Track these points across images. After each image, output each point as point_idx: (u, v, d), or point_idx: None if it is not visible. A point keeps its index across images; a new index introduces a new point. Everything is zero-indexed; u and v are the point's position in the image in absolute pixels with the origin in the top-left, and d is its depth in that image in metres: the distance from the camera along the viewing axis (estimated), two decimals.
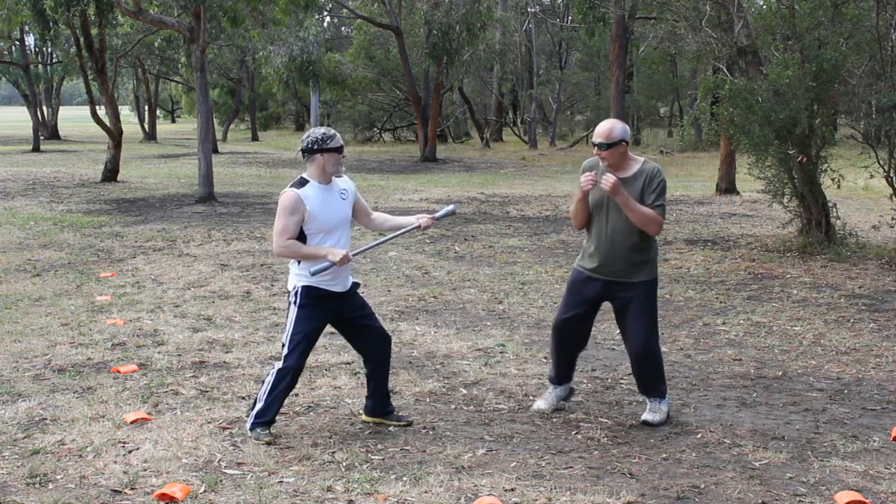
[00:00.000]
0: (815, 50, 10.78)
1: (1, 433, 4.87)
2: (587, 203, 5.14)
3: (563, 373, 5.36)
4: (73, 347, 6.65)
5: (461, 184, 21.02)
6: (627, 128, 5.05)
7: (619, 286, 5.06)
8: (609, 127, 4.96)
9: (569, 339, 5.27)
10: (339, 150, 4.77)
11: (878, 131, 11.88)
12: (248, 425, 4.86)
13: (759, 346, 6.82)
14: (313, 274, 4.70)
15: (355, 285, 5.02)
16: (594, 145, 5.00)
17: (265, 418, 4.81)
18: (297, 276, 4.83)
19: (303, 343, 4.80)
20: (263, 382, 4.87)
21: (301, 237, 4.76)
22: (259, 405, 4.83)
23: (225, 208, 15.63)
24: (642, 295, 5.05)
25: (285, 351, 4.81)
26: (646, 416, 5.13)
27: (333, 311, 4.89)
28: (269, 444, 4.71)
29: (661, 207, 4.93)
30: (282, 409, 5.27)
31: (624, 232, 4.99)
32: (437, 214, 5.13)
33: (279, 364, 4.83)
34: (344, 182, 4.94)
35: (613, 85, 16.41)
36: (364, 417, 5.13)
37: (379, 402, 5.08)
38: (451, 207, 5.27)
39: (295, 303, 4.80)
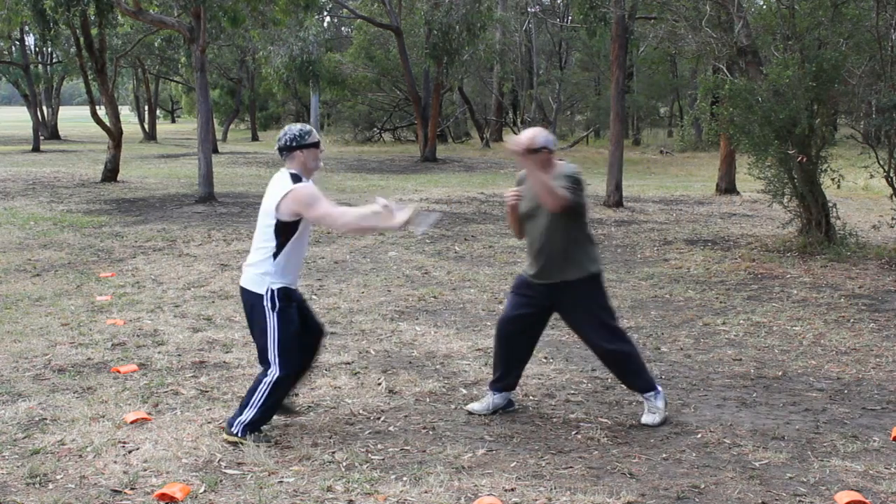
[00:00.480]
0: (815, 50, 10.78)
1: (1, 433, 4.87)
2: (517, 214, 5.18)
3: (501, 378, 5.25)
4: (73, 347, 6.65)
5: (461, 184, 21.02)
6: (551, 136, 5.07)
7: (557, 289, 5.04)
8: (532, 135, 4.98)
9: (510, 342, 5.21)
10: (317, 145, 4.75)
11: (878, 131, 11.88)
12: (235, 430, 4.67)
13: (759, 346, 6.82)
14: (428, 226, 4.66)
15: None
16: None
17: (256, 426, 4.70)
18: (269, 277, 4.64)
19: (293, 346, 4.69)
20: (256, 390, 4.67)
21: (293, 229, 4.66)
22: (251, 413, 4.66)
23: (225, 208, 15.63)
24: (583, 294, 5.03)
25: (276, 360, 4.63)
26: (644, 418, 5.12)
27: (299, 305, 4.81)
28: (269, 443, 4.67)
29: (568, 189, 4.86)
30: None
31: (553, 237, 4.98)
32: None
33: (274, 373, 4.63)
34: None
35: (613, 85, 16.39)
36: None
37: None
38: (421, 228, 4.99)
39: (273, 308, 4.63)
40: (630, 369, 5.11)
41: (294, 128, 4.74)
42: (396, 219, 4.65)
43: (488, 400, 5.30)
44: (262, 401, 4.67)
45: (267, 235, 4.69)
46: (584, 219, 5.04)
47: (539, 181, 4.82)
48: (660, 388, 5.20)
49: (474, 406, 5.31)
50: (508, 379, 5.28)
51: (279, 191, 4.66)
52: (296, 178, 4.70)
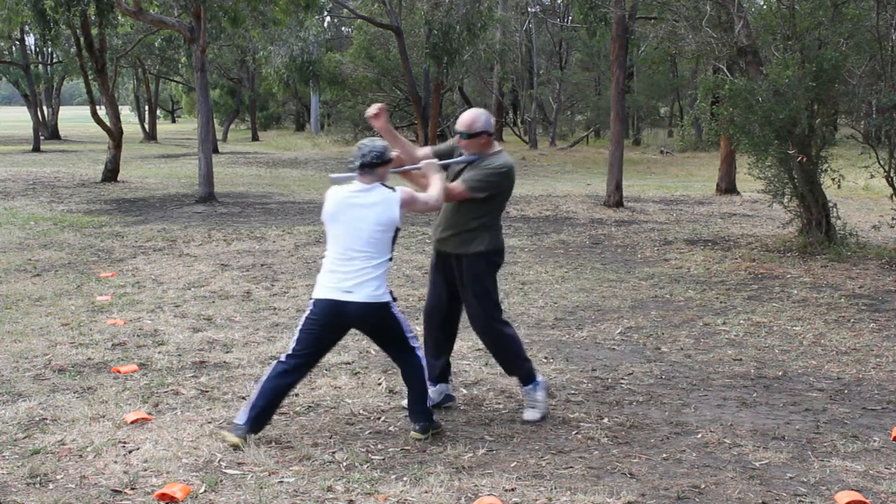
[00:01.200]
0: (815, 50, 10.78)
1: (1, 433, 4.87)
2: (393, 134, 5.21)
3: (432, 369, 5.19)
4: (73, 347, 6.65)
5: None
6: (492, 120, 5.11)
7: (455, 259, 5.13)
8: (472, 118, 5.02)
9: (433, 327, 5.34)
10: (391, 161, 4.83)
11: (879, 131, 11.88)
12: (427, 424, 4.84)
13: (760, 346, 6.82)
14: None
15: None
16: (457, 133, 5.08)
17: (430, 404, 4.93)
18: (383, 283, 4.78)
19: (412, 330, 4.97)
20: (423, 374, 4.86)
21: (395, 239, 4.85)
22: (426, 393, 4.88)
23: (225, 208, 15.63)
24: (471, 268, 5.08)
25: (411, 336, 4.90)
26: (525, 415, 5.14)
27: None
28: (438, 429, 4.87)
29: (468, 183, 4.97)
30: (281, 409, 5.28)
31: (453, 204, 5.07)
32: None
33: (417, 345, 4.91)
34: None
35: (613, 85, 16.39)
36: None
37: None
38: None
39: (393, 308, 4.87)
40: (507, 352, 5.21)
41: (377, 144, 4.77)
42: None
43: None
44: (427, 373, 4.92)
45: (382, 247, 4.78)
46: (490, 206, 5.07)
47: (427, 186, 5.04)
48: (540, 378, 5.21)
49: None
50: (441, 370, 5.36)
51: (387, 201, 4.73)
52: (388, 186, 4.81)
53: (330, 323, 4.77)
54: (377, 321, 4.83)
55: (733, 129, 11.49)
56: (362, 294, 4.71)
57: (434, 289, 5.36)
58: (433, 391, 5.22)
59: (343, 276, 4.72)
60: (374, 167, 4.72)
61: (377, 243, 4.74)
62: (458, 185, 4.99)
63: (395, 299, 4.92)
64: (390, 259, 4.87)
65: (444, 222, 5.15)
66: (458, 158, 5.14)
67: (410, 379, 4.89)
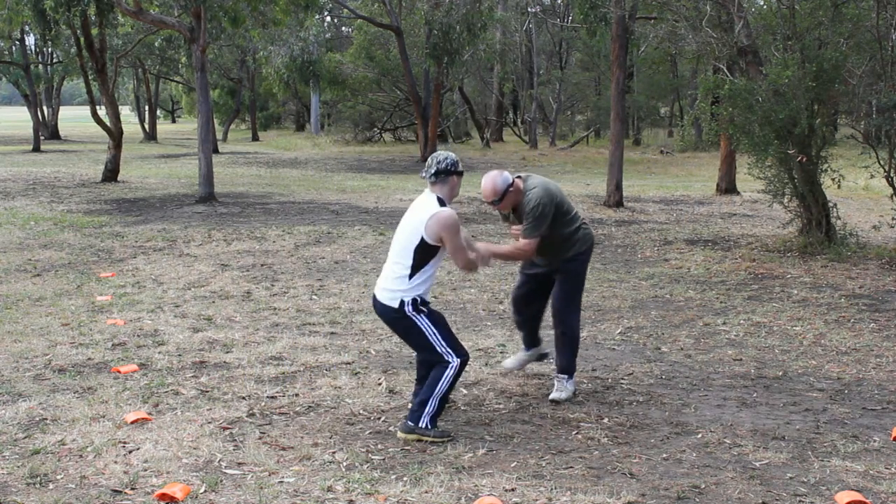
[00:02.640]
0: (815, 50, 10.78)
1: (1, 433, 4.87)
2: None
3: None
4: (73, 347, 6.65)
5: (461, 184, 20.98)
6: (506, 174, 5.43)
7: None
8: (491, 186, 5.38)
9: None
10: (462, 173, 5.06)
11: (879, 131, 11.87)
12: (423, 423, 4.83)
13: (760, 346, 6.82)
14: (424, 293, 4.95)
15: None
16: (490, 204, 5.49)
17: (437, 417, 4.91)
18: (401, 292, 4.86)
19: (451, 336, 4.95)
20: (438, 382, 4.86)
21: (433, 253, 4.88)
22: (434, 405, 4.86)
23: (225, 208, 15.63)
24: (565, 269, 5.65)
25: (448, 352, 4.87)
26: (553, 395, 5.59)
27: None
28: (452, 438, 4.82)
29: (524, 232, 5.41)
30: (282, 409, 5.28)
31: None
32: None
33: (454, 364, 4.87)
34: None
35: (614, 85, 16.39)
36: None
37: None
38: None
39: (420, 312, 4.88)
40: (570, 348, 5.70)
41: (451, 155, 5.03)
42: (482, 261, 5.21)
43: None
44: (444, 391, 4.89)
45: (406, 253, 4.88)
46: (559, 224, 5.49)
47: (504, 257, 5.67)
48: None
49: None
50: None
51: (426, 212, 4.88)
52: (441, 203, 4.93)
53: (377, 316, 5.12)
54: (391, 321, 5.00)
55: (733, 129, 11.49)
56: (380, 293, 4.99)
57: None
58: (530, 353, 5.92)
59: (381, 274, 5.06)
60: (448, 174, 4.95)
61: (403, 251, 4.89)
62: (522, 241, 5.42)
63: (422, 307, 4.90)
64: (411, 274, 4.86)
65: (543, 258, 5.65)
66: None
67: (428, 382, 4.95)
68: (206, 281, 9.24)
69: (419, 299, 4.89)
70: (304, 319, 7.61)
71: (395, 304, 4.87)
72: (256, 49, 31.76)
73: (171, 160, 28.81)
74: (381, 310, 4.97)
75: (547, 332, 6.00)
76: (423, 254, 4.86)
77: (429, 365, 4.98)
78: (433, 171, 4.94)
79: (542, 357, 6.09)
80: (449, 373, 4.89)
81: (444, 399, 4.93)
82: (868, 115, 12.48)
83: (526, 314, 5.87)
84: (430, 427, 4.84)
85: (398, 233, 4.97)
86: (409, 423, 4.88)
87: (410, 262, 4.86)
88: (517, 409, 5.37)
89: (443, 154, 5.02)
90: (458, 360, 4.89)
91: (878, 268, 9.92)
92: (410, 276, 4.86)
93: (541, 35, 39.34)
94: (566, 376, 5.59)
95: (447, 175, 4.95)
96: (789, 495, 4.15)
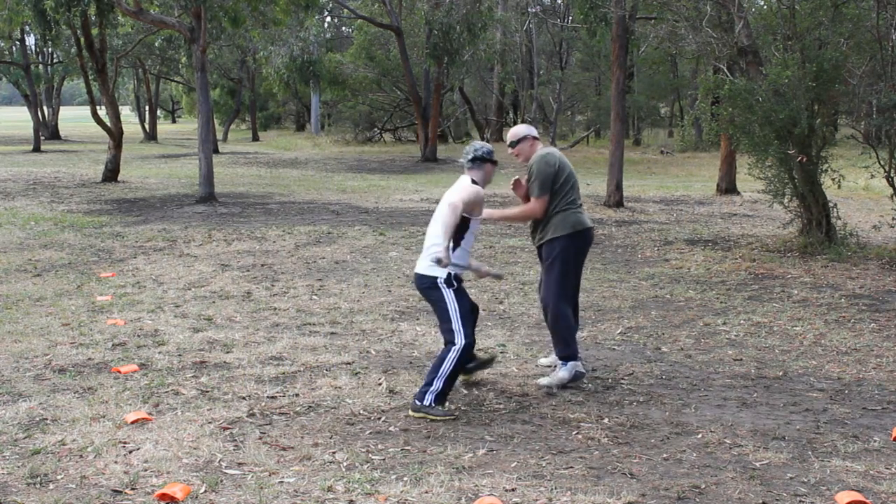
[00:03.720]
0: (815, 50, 10.78)
1: (1, 433, 4.87)
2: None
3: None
4: (73, 347, 6.65)
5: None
6: (532, 128, 6.04)
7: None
8: (514, 130, 6.03)
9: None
10: (496, 162, 5.59)
11: (879, 131, 11.88)
12: (427, 401, 5.17)
13: (760, 347, 6.82)
14: (455, 266, 5.33)
15: None
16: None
17: (444, 398, 5.24)
18: (440, 268, 5.23)
19: (468, 318, 5.31)
20: (443, 362, 5.21)
21: (465, 226, 5.38)
22: (440, 383, 5.20)
23: (225, 208, 15.63)
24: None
25: (459, 330, 5.24)
26: (540, 380, 5.83)
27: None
28: (455, 418, 5.13)
29: (531, 191, 5.82)
30: (282, 409, 5.29)
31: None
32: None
33: (459, 344, 5.23)
34: None
35: (614, 85, 16.39)
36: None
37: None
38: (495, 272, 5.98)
39: (451, 287, 5.29)
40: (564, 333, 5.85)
41: (487, 145, 5.57)
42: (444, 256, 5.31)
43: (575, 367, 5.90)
44: (448, 371, 5.22)
45: (444, 229, 5.25)
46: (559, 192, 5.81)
47: (511, 219, 6.22)
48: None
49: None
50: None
51: (459, 185, 5.41)
52: (475, 184, 5.46)
53: None
54: (423, 290, 5.41)
55: (733, 130, 11.49)
56: (418, 264, 5.42)
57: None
58: (577, 364, 5.85)
59: (422, 255, 5.47)
60: (483, 161, 5.51)
61: (441, 224, 5.28)
62: (531, 201, 5.80)
63: (454, 284, 5.30)
64: (456, 249, 5.34)
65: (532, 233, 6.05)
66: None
67: (434, 363, 5.31)
68: (207, 281, 9.24)
69: (452, 275, 5.30)
70: (304, 319, 7.61)
71: (435, 274, 5.28)
72: (256, 49, 31.73)
73: (171, 160, 28.80)
74: (419, 280, 5.38)
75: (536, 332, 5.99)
76: (460, 228, 5.32)
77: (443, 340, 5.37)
78: (470, 157, 5.51)
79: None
80: (452, 355, 5.23)
81: (450, 380, 5.24)
82: (868, 115, 12.48)
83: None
84: (433, 405, 5.17)
85: (436, 213, 5.42)
86: (416, 401, 5.23)
87: (447, 236, 5.23)
88: (517, 409, 5.38)
89: (479, 143, 5.57)
90: (464, 342, 5.22)
91: (878, 268, 9.91)
92: (451, 250, 5.26)
93: (541, 35, 39.31)
94: (561, 363, 5.78)
95: (482, 161, 5.51)
96: (789, 495, 4.15)
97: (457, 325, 5.25)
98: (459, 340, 5.24)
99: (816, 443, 4.81)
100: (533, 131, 5.96)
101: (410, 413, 5.21)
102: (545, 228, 5.81)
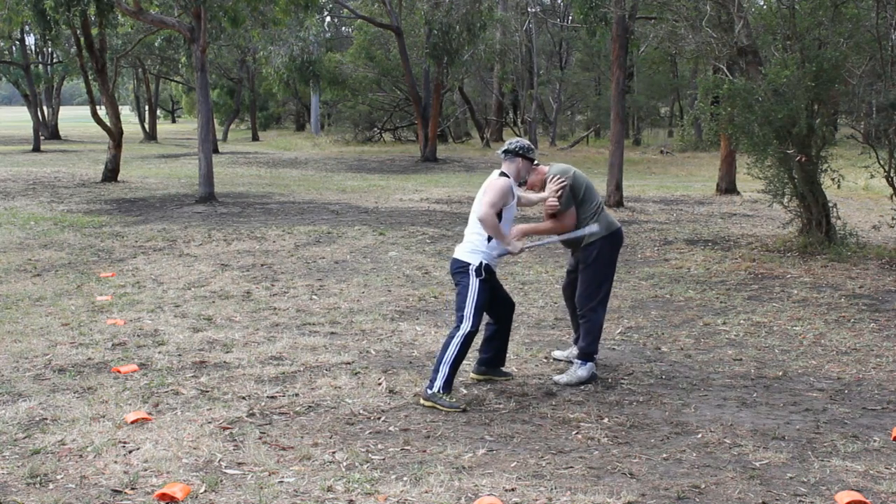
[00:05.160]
0: (815, 50, 10.78)
1: (1, 433, 4.87)
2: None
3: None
4: (73, 347, 6.65)
5: (461, 184, 21.02)
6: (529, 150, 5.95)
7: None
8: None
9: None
10: (533, 161, 5.71)
11: (879, 131, 11.87)
12: (437, 386, 5.34)
13: (760, 346, 6.82)
14: (499, 256, 5.52)
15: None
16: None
17: (450, 384, 5.37)
18: (481, 253, 5.47)
19: (483, 309, 5.48)
20: (445, 352, 5.38)
21: (498, 218, 5.48)
22: (445, 370, 5.36)
23: (225, 208, 15.63)
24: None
25: (469, 316, 5.40)
26: (555, 377, 5.99)
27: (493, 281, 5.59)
28: (464, 410, 5.27)
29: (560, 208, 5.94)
30: (282, 409, 5.29)
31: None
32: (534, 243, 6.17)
33: (463, 329, 5.39)
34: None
35: (614, 85, 16.39)
36: (472, 375, 5.90)
37: (499, 357, 5.88)
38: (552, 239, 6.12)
39: (478, 275, 5.43)
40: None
41: (524, 140, 5.72)
42: (513, 245, 5.60)
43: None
44: (453, 357, 5.38)
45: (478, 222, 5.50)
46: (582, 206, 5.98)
47: (541, 231, 6.12)
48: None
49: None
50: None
51: (490, 180, 5.57)
52: (502, 175, 5.56)
53: None
54: (454, 274, 5.58)
55: (732, 129, 11.49)
56: (460, 254, 5.58)
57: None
58: (593, 365, 5.99)
59: (461, 244, 5.65)
60: (515, 155, 5.63)
61: (475, 221, 5.52)
62: (562, 216, 5.94)
63: (483, 274, 5.42)
64: (489, 237, 5.47)
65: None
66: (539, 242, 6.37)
67: (441, 347, 5.47)
68: (206, 281, 9.24)
69: (488, 266, 5.45)
70: (304, 319, 7.61)
71: (469, 261, 5.46)
72: (256, 49, 31.74)
73: (171, 160, 28.80)
74: (453, 265, 5.57)
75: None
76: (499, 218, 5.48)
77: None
78: (503, 149, 5.65)
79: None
80: (456, 340, 5.38)
81: (455, 365, 5.38)
82: (868, 115, 12.48)
83: (571, 306, 6.31)
84: (441, 392, 5.34)
85: (474, 203, 5.59)
86: (427, 389, 5.39)
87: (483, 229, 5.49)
88: (517, 409, 5.38)
89: (517, 139, 5.71)
90: (470, 328, 5.38)
91: (878, 268, 9.91)
92: (489, 240, 5.45)
93: (541, 35, 39.33)
94: (580, 361, 5.93)
95: (514, 155, 5.62)
96: (789, 495, 4.15)
97: (469, 311, 5.40)
98: (465, 326, 5.39)
99: (816, 443, 4.81)
100: (527, 149, 6.00)
101: (422, 402, 5.37)
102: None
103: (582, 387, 5.81)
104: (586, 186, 5.94)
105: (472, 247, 5.54)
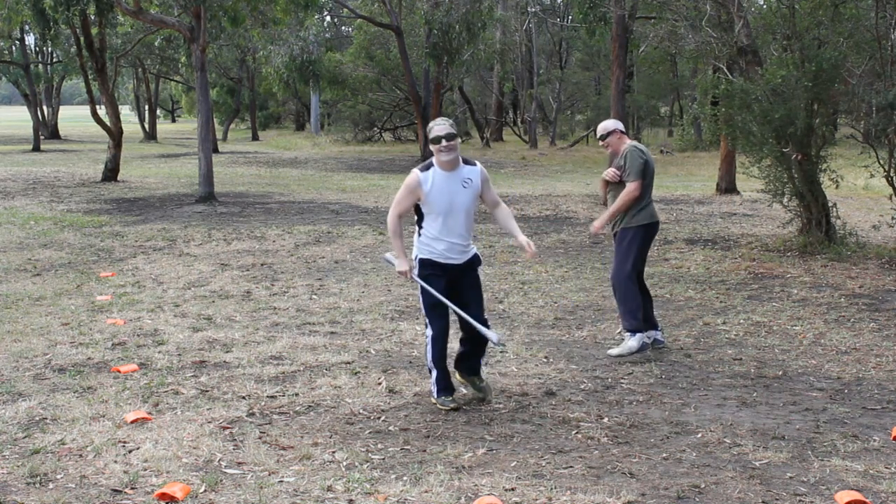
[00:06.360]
0: (814, 49, 10.78)
1: (1, 433, 4.87)
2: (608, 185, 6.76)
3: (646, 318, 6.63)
4: (73, 347, 6.65)
5: (440, 151, 20.97)
6: (619, 122, 6.74)
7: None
8: (603, 124, 6.72)
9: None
10: (435, 140, 5.19)
11: (878, 131, 11.87)
12: (433, 392, 5.35)
13: (760, 346, 6.82)
14: (385, 260, 5.46)
15: (476, 260, 5.44)
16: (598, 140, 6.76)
17: (442, 383, 5.32)
18: (416, 248, 5.35)
19: (436, 308, 5.24)
20: (425, 356, 5.41)
21: (420, 215, 5.30)
22: (433, 376, 5.36)
23: (225, 208, 15.63)
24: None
25: (426, 321, 5.33)
26: (610, 350, 6.61)
27: (447, 277, 5.30)
28: (455, 409, 5.22)
29: (627, 176, 6.45)
30: (282, 409, 5.28)
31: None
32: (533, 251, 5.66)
33: (427, 333, 5.33)
34: (471, 171, 5.33)
35: (614, 84, 16.40)
36: (459, 378, 5.61)
37: (475, 362, 5.52)
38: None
39: (417, 274, 5.31)
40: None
41: (431, 122, 5.35)
42: (398, 263, 5.40)
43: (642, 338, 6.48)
44: (430, 360, 5.32)
45: (418, 215, 5.37)
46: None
47: (617, 211, 6.49)
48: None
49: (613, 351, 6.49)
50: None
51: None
52: (426, 167, 5.28)
53: None
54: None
55: (731, 129, 11.48)
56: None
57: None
58: (643, 336, 6.40)
59: None
60: (430, 143, 5.32)
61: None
62: (629, 185, 6.41)
63: (421, 269, 5.28)
64: (419, 231, 5.38)
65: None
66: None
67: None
68: (206, 280, 9.24)
69: (423, 261, 5.28)
70: (304, 319, 7.61)
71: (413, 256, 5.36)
72: (256, 49, 31.74)
73: (170, 160, 28.80)
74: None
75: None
76: (418, 212, 5.34)
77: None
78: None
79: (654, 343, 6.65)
80: (427, 345, 5.34)
81: (438, 365, 5.31)
82: (868, 115, 12.47)
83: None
84: (438, 395, 5.32)
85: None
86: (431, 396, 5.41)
87: (416, 219, 5.40)
88: (517, 408, 5.38)
89: (434, 121, 5.34)
90: (430, 332, 5.29)
91: (878, 267, 9.91)
92: (419, 233, 5.34)
93: (541, 35, 39.35)
94: (629, 333, 6.40)
95: (429, 144, 5.27)
96: (789, 495, 4.15)
97: (425, 316, 5.35)
98: (427, 327, 5.34)
99: (816, 442, 4.81)
100: (620, 125, 6.63)
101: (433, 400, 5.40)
102: (625, 214, 6.46)
103: (581, 386, 5.81)
104: (651, 171, 6.44)
105: (414, 240, 5.48)
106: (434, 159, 5.25)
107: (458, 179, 5.24)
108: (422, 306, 5.37)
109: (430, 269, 5.29)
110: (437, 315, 5.28)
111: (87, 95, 21.65)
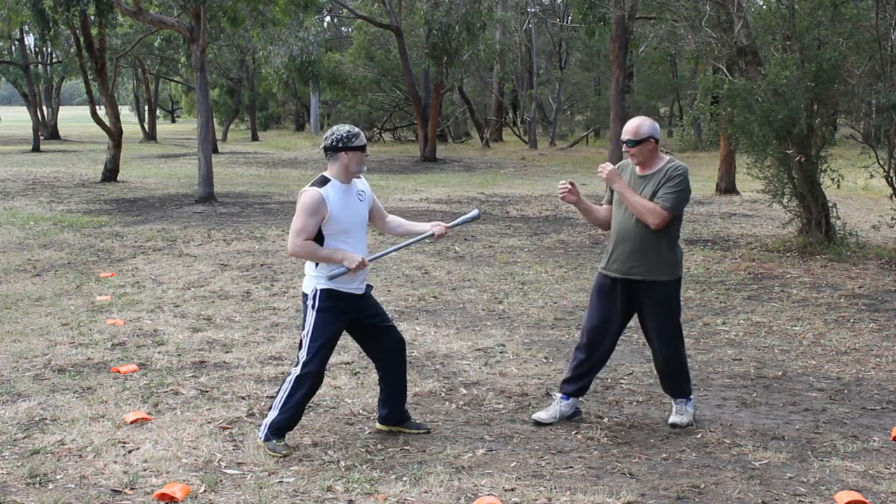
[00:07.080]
0: (814, 50, 10.78)
1: (1, 433, 4.87)
2: (584, 206, 5.26)
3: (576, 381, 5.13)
4: (73, 347, 6.65)
5: (461, 184, 21.02)
6: (657, 126, 5.06)
7: (637, 285, 4.94)
8: (637, 124, 5.02)
9: (593, 345, 5.05)
10: (362, 148, 4.63)
11: (879, 131, 11.87)
12: (261, 436, 4.65)
13: (759, 346, 6.82)
14: (331, 278, 4.55)
15: (369, 287, 4.82)
16: (623, 142, 5.06)
17: (281, 429, 4.62)
18: (314, 279, 4.63)
19: (324, 348, 4.62)
20: (279, 390, 4.65)
21: (319, 238, 4.59)
22: (274, 414, 4.61)
23: (225, 208, 15.63)
24: (659, 295, 4.92)
25: (304, 357, 4.59)
26: (673, 419, 5.08)
27: (350, 312, 4.70)
28: (285, 456, 4.52)
29: (667, 201, 4.85)
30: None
31: (639, 227, 4.92)
32: (454, 222, 5.03)
33: (297, 370, 4.60)
34: (362, 183, 4.80)
35: (613, 85, 16.41)
36: (378, 426, 4.95)
37: (394, 410, 4.89)
38: (473, 213, 5.16)
39: (313, 307, 4.61)
40: (683, 373, 5.11)
41: (342, 128, 4.67)
42: (348, 259, 4.59)
43: (555, 408, 5.11)
44: (282, 400, 4.62)
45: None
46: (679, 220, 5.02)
47: (632, 202, 4.91)
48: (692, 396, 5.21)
49: (540, 415, 5.09)
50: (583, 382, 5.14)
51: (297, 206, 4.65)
52: (322, 182, 4.62)
53: None
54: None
55: (732, 130, 11.49)
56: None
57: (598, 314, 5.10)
58: (565, 404, 5.10)
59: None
60: (336, 151, 4.64)
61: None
62: (658, 210, 4.84)
63: (319, 303, 4.60)
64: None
65: (632, 245, 4.94)
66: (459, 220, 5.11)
67: (279, 388, 4.71)
68: (206, 281, 9.24)
69: (326, 293, 4.60)
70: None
71: (306, 290, 4.67)
72: (256, 49, 31.74)
73: (170, 160, 28.80)
74: (302, 299, 4.75)
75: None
76: (318, 236, 4.62)
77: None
78: (323, 147, 4.68)
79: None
80: (287, 381, 4.63)
81: (286, 412, 4.60)
82: (868, 115, 12.48)
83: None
84: (269, 438, 4.60)
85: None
86: (260, 434, 4.68)
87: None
88: (517, 409, 5.37)
89: (337, 128, 4.67)
90: (303, 370, 4.58)
91: (878, 268, 9.92)
92: (316, 264, 4.63)
93: (541, 35, 39.35)
94: (685, 399, 5.13)
95: (336, 151, 4.63)
96: (789, 495, 4.15)
97: (305, 350, 4.62)
98: (297, 368, 4.62)
99: (816, 442, 4.81)
100: (657, 131, 5.07)
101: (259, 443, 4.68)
102: (655, 263, 4.91)
103: None
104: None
105: (307, 272, 4.70)
106: (337, 172, 4.62)
107: (354, 192, 4.68)
108: (308, 340, 4.60)
109: (332, 302, 4.61)
110: (322, 356, 4.63)
111: (87, 96, 21.64)
